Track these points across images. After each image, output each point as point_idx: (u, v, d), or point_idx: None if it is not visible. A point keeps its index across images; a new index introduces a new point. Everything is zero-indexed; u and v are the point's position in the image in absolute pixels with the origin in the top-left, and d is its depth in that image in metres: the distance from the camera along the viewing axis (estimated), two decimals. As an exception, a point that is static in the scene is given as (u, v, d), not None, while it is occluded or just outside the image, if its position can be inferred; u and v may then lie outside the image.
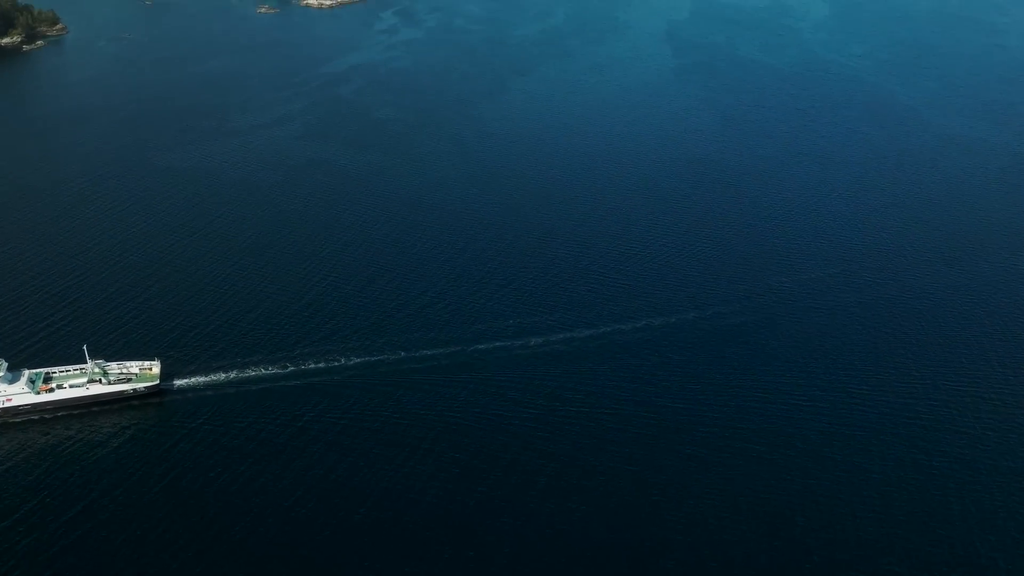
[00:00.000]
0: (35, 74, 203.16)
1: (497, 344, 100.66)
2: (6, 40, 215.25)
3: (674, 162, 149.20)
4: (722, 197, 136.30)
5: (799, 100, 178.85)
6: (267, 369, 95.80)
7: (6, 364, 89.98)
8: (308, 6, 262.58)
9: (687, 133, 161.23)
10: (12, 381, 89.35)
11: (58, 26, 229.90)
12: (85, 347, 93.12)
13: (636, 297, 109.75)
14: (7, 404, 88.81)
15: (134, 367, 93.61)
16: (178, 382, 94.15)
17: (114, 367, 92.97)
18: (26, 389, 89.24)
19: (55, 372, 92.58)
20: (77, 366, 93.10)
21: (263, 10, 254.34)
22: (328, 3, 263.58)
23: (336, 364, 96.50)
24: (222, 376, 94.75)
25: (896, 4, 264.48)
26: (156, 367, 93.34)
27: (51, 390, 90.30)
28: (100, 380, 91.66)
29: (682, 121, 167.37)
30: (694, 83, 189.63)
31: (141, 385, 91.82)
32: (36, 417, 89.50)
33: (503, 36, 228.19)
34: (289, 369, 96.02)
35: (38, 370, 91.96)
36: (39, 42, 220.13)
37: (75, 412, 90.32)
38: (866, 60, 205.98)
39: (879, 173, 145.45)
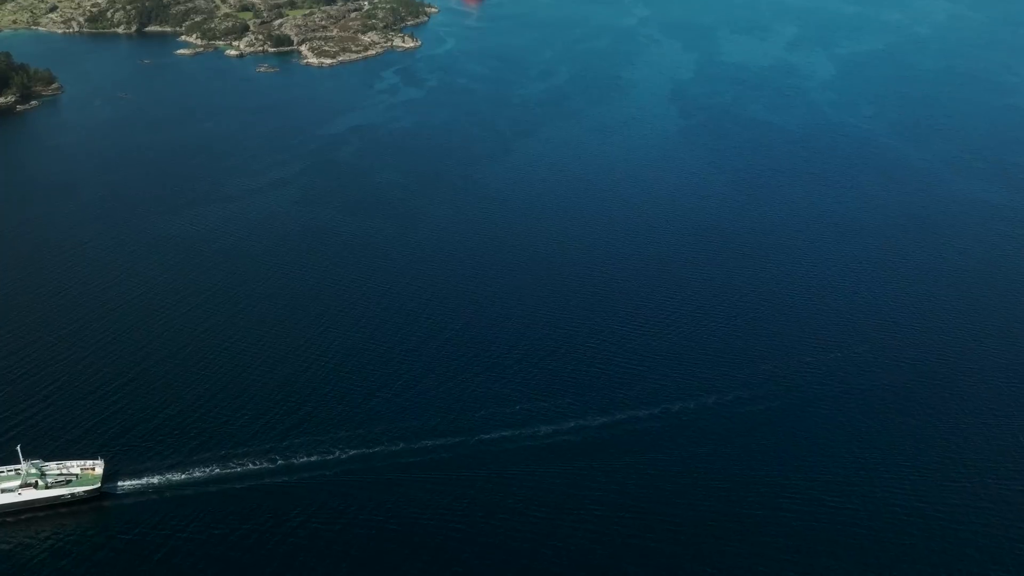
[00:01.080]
0: (26, 136, 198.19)
1: (503, 434, 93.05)
2: (0, 100, 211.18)
3: (686, 230, 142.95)
4: (737, 267, 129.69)
5: (811, 163, 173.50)
6: (235, 466, 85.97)
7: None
8: (308, 65, 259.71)
9: (698, 198, 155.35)
10: None
11: (54, 85, 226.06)
12: (19, 447, 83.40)
13: (651, 379, 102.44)
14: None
15: (75, 467, 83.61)
16: (124, 484, 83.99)
17: (53, 467, 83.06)
18: (-57, 498, 78.44)
19: None
20: (9, 467, 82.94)
21: (263, 69, 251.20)
22: (328, 62, 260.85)
23: (321, 459, 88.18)
24: (179, 476, 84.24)
25: (903, 63, 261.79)
26: (99, 467, 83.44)
27: None
28: (35, 483, 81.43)
29: (692, 185, 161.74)
30: (702, 145, 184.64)
31: (80, 489, 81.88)
32: (-44, 530, 78.20)
33: (506, 96, 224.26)
34: (261, 466, 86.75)
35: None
36: (33, 102, 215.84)
37: (5, 521, 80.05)
38: (877, 121, 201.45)
39: (902, 240, 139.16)
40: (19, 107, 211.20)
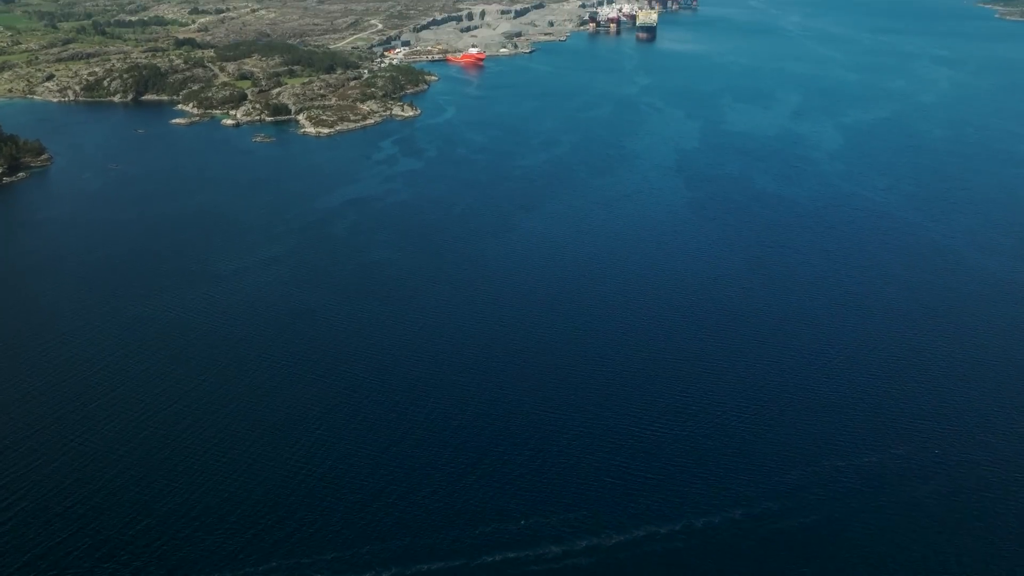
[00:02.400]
0: (10, 209, 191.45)
1: (508, 555, 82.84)
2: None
3: (699, 314, 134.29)
4: (756, 356, 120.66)
5: (826, 239, 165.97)
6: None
7: None
8: (306, 134, 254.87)
9: (711, 279, 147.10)
10: None
11: (43, 156, 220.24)
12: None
13: (670, 488, 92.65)
14: None
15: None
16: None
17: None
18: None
19: None
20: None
21: (259, 139, 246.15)
22: (326, 131, 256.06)
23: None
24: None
25: (911, 132, 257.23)
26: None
27: None
28: None
29: (704, 264, 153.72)
30: (711, 219, 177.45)
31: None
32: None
33: (506, 167, 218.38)
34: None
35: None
36: (21, 174, 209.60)
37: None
38: (891, 194, 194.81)
39: (936, 326, 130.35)
40: (5, 179, 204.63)
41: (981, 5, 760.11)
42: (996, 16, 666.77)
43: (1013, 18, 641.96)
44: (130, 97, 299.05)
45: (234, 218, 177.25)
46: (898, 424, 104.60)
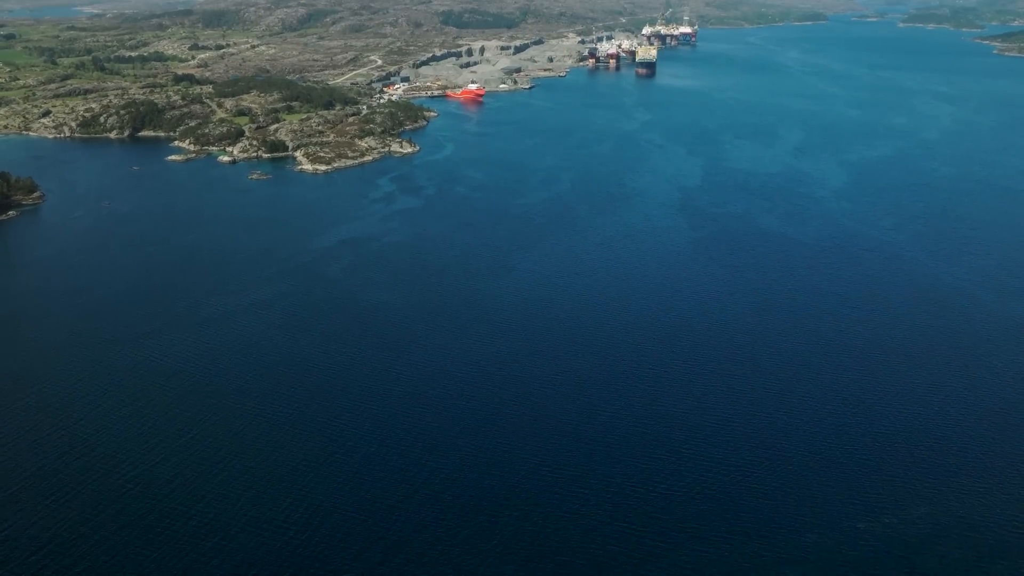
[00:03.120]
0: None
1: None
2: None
3: (706, 364, 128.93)
4: (768, 411, 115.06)
5: (835, 282, 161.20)
6: None
7: None
8: (303, 171, 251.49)
9: (717, 324, 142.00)
10: None
11: (35, 194, 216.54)
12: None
13: (680, 556, 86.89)
14: None
15: None
16: None
17: None
18: None
19: None
20: None
21: (255, 176, 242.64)
22: (323, 168, 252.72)
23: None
24: None
25: (916, 170, 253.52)
26: None
27: None
28: None
29: (709, 309, 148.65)
30: (716, 261, 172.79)
31: None
32: None
33: (506, 205, 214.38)
34: None
35: None
36: (11, 212, 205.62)
37: None
38: (899, 233, 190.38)
39: (955, 376, 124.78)
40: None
41: (979, 41, 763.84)
42: (995, 52, 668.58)
43: (1012, 54, 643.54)
44: (126, 133, 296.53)
45: (226, 258, 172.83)
46: (920, 485, 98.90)
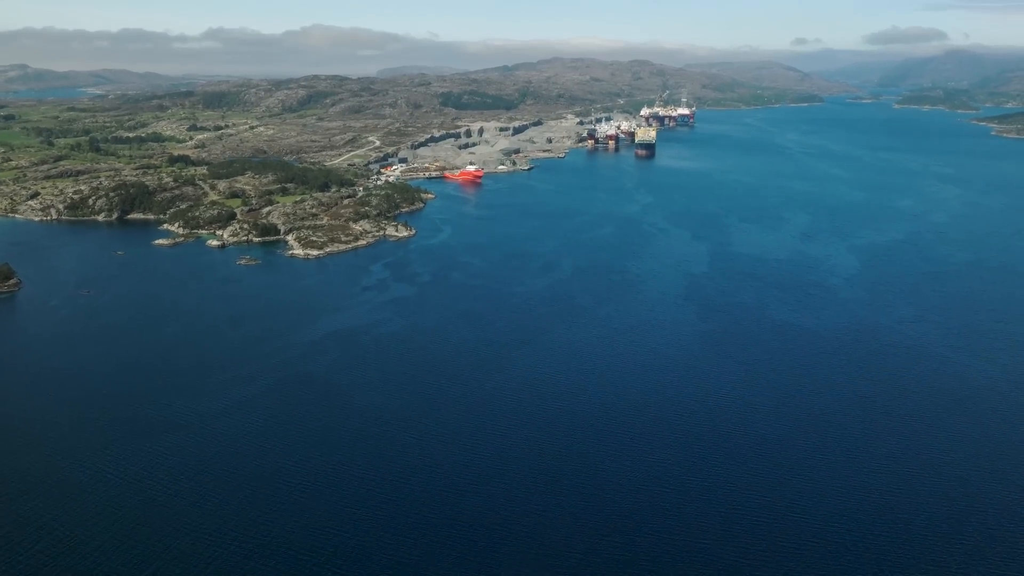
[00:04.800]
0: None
1: None
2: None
3: (718, 473, 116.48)
4: (783, 528, 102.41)
5: (858, 380, 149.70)
6: None
7: None
8: (293, 256, 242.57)
9: (736, 431, 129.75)
10: None
11: (11, 281, 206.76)
12: None
13: None
14: None
15: None
16: None
17: None
18: None
19: None
20: None
21: (243, 262, 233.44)
22: (315, 253, 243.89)
23: None
24: None
25: (930, 256, 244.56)
26: None
27: None
28: None
29: (726, 413, 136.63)
30: (729, 357, 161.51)
31: None
32: None
33: (504, 293, 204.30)
34: None
35: None
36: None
37: None
38: (921, 325, 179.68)
39: (996, 487, 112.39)
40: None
41: (976, 123, 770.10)
42: (993, 133, 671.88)
43: (1010, 135, 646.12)
44: (115, 216, 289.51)
45: (205, 354, 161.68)
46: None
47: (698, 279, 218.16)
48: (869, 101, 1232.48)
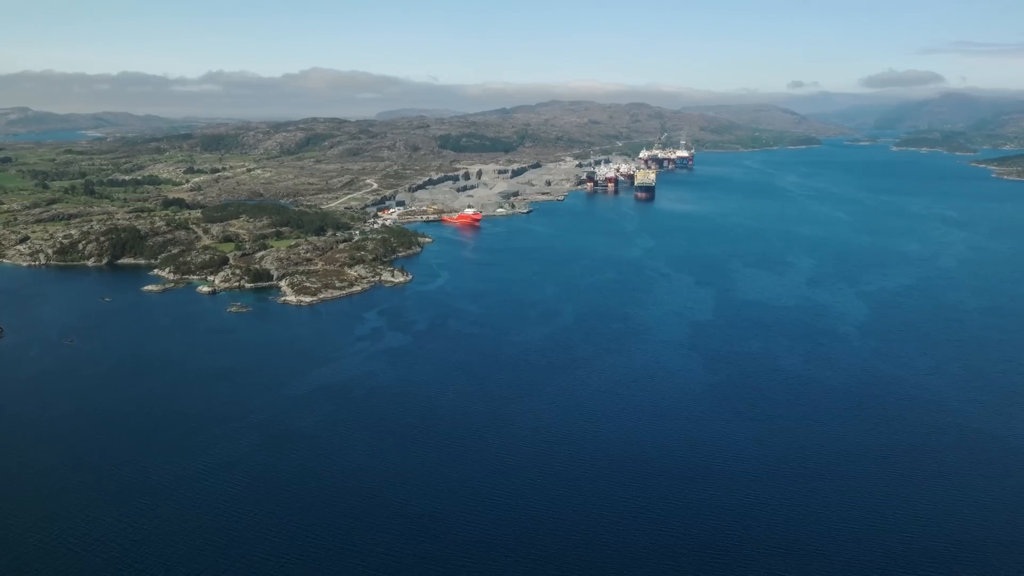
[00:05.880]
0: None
1: None
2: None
3: (739, 546, 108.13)
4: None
5: (878, 437, 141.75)
6: None
7: None
8: (286, 303, 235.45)
9: (749, 496, 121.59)
10: None
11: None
12: None
13: None
14: None
15: None
16: None
17: None
18: None
19: None
20: None
21: (233, 309, 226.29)
22: (308, 300, 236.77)
23: None
24: None
25: (942, 303, 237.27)
26: None
27: None
28: None
29: (738, 475, 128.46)
30: (738, 412, 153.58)
31: None
32: None
33: (502, 343, 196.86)
34: None
35: None
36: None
37: None
38: (938, 378, 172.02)
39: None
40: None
41: (975, 165, 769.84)
42: (993, 176, 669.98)
43: (1011, 178, 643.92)
44: (104, 261, 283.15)
45: (188, 409, 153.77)
46: None
47: (703, 327, 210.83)
48: (867, 143, 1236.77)
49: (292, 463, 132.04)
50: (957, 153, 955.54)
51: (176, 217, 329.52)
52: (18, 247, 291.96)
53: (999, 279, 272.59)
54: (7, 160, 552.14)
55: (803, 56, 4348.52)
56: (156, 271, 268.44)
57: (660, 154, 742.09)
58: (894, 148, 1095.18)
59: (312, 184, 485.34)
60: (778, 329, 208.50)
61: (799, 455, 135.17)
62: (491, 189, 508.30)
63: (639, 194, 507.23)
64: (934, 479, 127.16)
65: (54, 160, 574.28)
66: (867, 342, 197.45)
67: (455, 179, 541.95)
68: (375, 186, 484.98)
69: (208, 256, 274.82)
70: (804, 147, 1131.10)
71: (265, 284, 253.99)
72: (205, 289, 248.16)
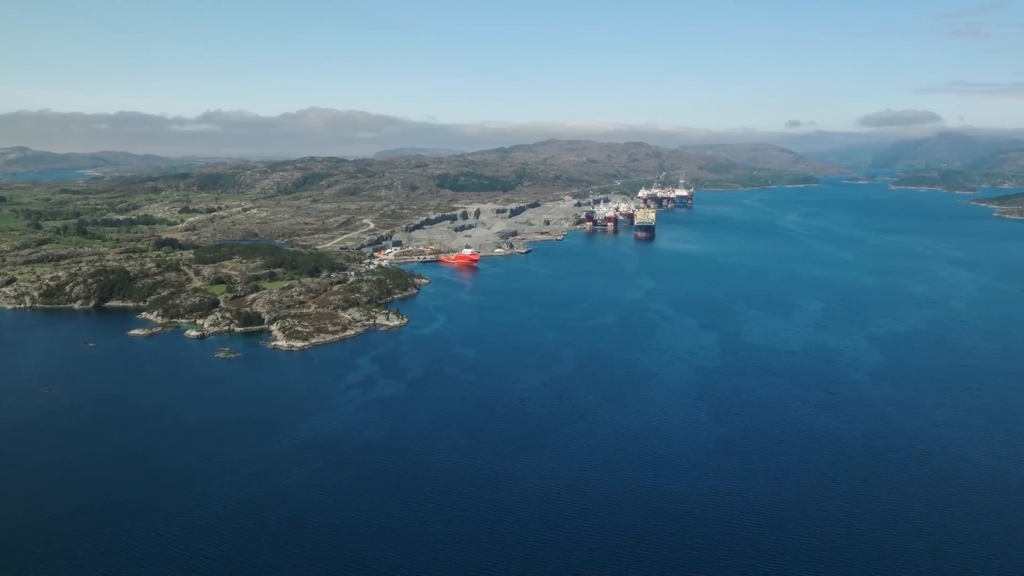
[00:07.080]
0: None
1: None
2: None
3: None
4: None
5: (899, 494, 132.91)
6: None
7: None
8: (276, 348, 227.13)
9: (767, 556, 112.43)
10: None
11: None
12: None
13: None
14: None
15: None
16: None
17: None
18: None
19: None
20: None
21: (222, 355, 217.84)
22: (299, 344, 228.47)
23: None
24: None
25: (955, 347, 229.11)
26: None
27: None
28: None
29: (752, 535, 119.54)
30: (750, 468, 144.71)
31: None
32: None
33: (501, 391, 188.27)
34: None
35: None
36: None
37: None
38: (959, 429, 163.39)
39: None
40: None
41: (976, 204, 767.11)
42: (995, 215, 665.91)
43: (1013, 216, 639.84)
44: (92, 304, 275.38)
45: (168, 465, 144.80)
46: None
47: (710, 374, 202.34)
48: (865, 182, 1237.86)
49: (272, 529, 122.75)
50: (956, 192, 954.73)
51: (167, 258, 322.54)
52: (3, 289, 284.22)
53: (1011, 321, 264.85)
54: (2, 199, 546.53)
55: (800, 95, 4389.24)
56: (144, 314, 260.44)
57: (659, 193, 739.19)
58: (892, 187, 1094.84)
59: (308, 224, 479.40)
60: (788, 376, 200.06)
61: (821, 518, 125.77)
62: (489, 228, 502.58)
63: (639, 234, 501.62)
64: (969, 543, 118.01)
65: (49, 200, 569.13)
66: (882, 390, 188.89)
67: (453, 218, 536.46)
68: (372, 226, 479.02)
69: (198, 299, 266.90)
70: (803, 185, 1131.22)
71: (256, 328, 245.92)
72: (193, 333, 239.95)
